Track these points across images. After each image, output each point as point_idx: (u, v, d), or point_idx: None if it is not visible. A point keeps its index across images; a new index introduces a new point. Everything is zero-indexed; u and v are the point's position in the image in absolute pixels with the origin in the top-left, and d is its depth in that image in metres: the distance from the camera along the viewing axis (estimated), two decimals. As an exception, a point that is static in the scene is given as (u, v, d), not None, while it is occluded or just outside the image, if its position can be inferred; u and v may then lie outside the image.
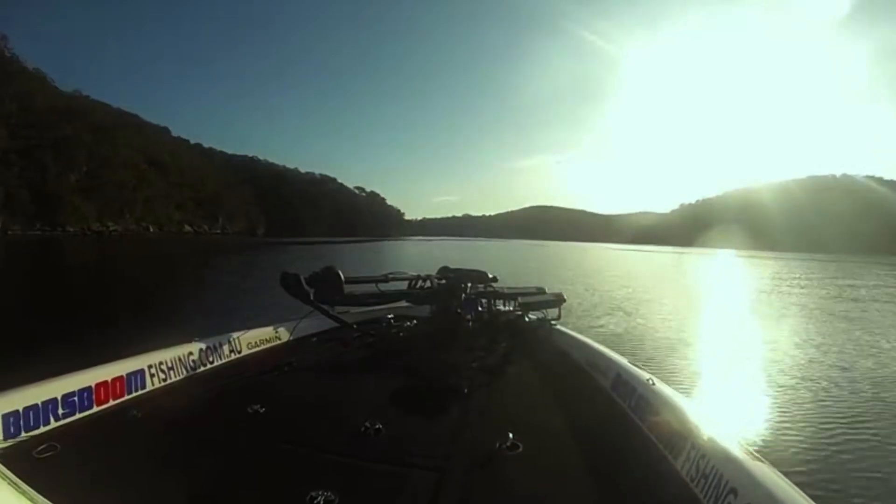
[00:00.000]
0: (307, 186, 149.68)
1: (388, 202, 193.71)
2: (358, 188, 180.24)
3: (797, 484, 1.18)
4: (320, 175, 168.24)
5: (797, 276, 23.61)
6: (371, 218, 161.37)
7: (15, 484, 0.93)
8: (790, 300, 14.98)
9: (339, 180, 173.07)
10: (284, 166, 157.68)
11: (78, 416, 1.72)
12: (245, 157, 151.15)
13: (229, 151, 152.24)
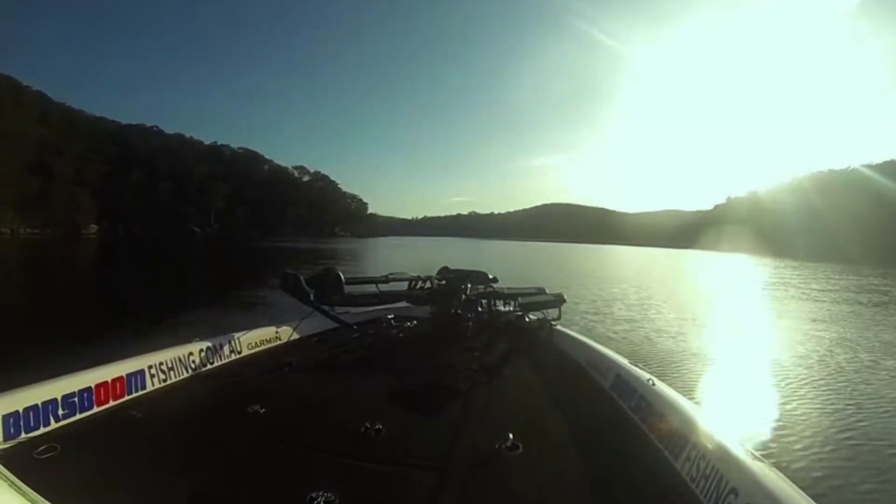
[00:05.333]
0: (209, 165, 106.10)
1: (344, 188, 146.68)
2: (298, 168, 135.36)
3: (797, 484, 1.25)
4: (241, 150, 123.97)
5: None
6: (310, 209, 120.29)
7: (15, 485, 0.98)
8: (795, 304, 15.21)
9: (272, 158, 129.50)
10: (191, 137, 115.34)
11: (78, 416, 1.88)
12: (137, 125, 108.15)
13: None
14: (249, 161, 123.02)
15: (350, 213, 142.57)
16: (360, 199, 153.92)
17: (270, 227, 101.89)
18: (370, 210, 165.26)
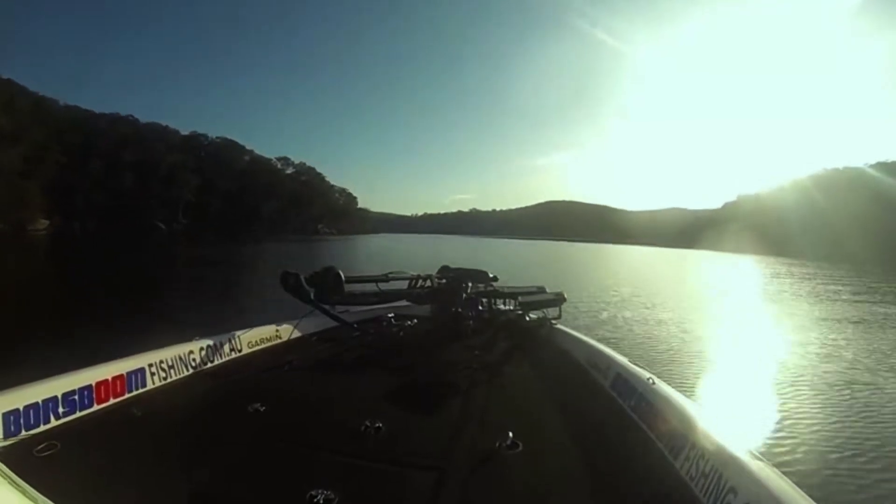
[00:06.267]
0: (181, 154, 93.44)
1: (343, 184, 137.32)
2: (281, 159, 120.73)
3: (797, 484, 1.27)
4: (219, 139, 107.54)
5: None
6: (291, 203, 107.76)
7: (15, 483, 1.00)
8: (793, 303, 15.30)
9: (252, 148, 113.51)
10: (167, 126, 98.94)
11: (78, 414, 1.91)
12: (109, 115, 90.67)
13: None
14: (227, 151, 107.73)
15: (337, 208, 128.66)
16: (349, 193, 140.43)
17: (245, 222, 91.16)
18: (365, 206, 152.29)
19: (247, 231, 79.89)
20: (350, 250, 45.36)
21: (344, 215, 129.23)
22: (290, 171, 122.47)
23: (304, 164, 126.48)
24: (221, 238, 57.64)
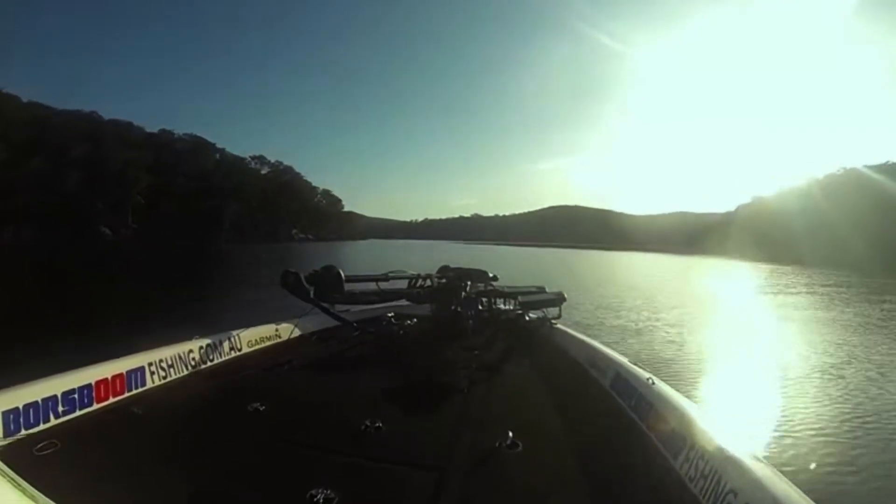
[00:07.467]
0: (139, 152, 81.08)
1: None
2: (256, 158, 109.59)
3: (797, 484, 1.27)
4: (187, 136, 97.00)
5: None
6: (262, 206, 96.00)
7: (15, 481, 1.01)
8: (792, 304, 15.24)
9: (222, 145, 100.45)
10: (132, 122, 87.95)
11: (78, 413, 1.94)
12: (73, 111, 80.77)
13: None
14: (195, 149, 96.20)
15: (318, 210, 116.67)
16: (333, 195, 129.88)
17: (207, 227, 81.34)
18: (364, 211, 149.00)
19: (207, 238, 73.08)
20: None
21: (326, 219, 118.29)
22: (265, 171, 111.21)
23: (281, 162, 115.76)
24: (170, 245, 50.72)
